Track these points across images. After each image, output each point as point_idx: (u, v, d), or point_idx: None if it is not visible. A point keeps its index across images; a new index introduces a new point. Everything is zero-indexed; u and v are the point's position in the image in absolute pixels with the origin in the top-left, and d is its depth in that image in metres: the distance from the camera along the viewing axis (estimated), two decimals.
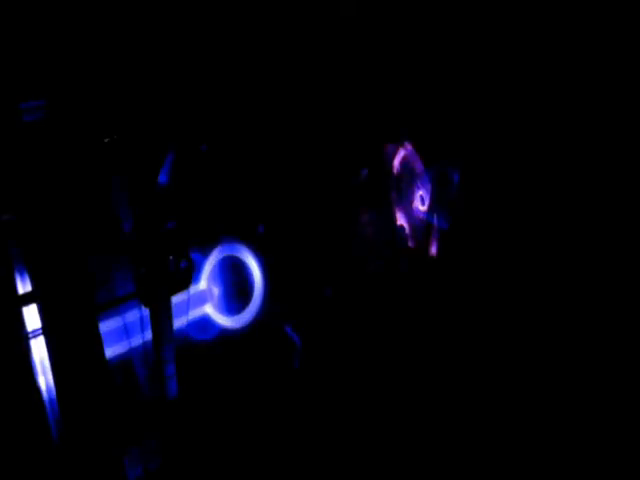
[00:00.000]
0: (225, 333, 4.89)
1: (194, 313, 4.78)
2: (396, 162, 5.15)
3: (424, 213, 5.09)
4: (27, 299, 3.76)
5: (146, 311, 4.24)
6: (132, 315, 4.39)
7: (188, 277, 4.39)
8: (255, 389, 4.89)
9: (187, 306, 4.60)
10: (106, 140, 4.20)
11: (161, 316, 4.26)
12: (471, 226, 5.09)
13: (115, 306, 4.25)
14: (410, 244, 5.24)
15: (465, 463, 4.58)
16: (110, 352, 4.22)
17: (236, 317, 5.02)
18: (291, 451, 4.68)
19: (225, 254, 4.90)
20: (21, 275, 3.75)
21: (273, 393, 4.96)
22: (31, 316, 3.76)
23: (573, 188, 4.77)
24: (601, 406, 4.64)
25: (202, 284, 4.83)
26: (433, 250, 5.15)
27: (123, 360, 4.34)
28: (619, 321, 4.71)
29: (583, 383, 4.77)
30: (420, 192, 5.03)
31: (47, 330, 3.77)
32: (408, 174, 5.01)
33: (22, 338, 3.69)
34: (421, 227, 5.13)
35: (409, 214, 5.15)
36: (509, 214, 5.00)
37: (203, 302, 4.85)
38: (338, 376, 5.18)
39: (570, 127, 4.72)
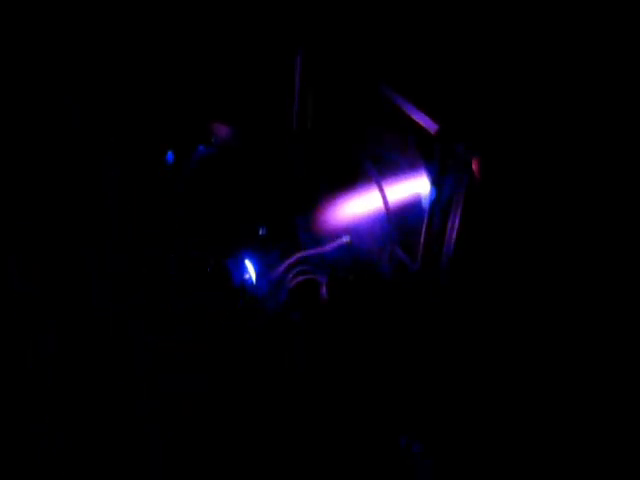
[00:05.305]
0: (225, 332, 4.92)
1: None
2: (397, 162, 5.13)
3: (425, 213, 5.07)
4: (27, 299, 3.81)
5: None
6: None
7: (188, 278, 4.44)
8: (255, 389, 4.92)
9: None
10: (109, 140, 4.24)
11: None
12: (474, 226, 5.07)
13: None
14: (410, 244, 5.23)
15: (466, 463, 4.59)
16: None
17: (237, 317, 5.04)
18: (291, 451, 4.70)
19: (225, 254, 4.93)
20: (21, 275, 3.80)
21: (273, 393, 4.98)
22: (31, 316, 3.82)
23: (584, 189, 4.72)
24: (602, 408, 4.63)
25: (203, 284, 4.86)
26: (434, 250, 5.13)
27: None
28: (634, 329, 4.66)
29: (587, 387, 4.75)
30: (421, 192, 5.01)
31: (50, 328, 3.82)
32: (408, 173, 4.99)
33: (22, 338, 3.74)
34: (422, 227, 5.10)
35: (410, 214, 5.14)
36: (515, 214, 4.96)
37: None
38: (339, 377, 5.19)
39: (579, 128, 4.68)
